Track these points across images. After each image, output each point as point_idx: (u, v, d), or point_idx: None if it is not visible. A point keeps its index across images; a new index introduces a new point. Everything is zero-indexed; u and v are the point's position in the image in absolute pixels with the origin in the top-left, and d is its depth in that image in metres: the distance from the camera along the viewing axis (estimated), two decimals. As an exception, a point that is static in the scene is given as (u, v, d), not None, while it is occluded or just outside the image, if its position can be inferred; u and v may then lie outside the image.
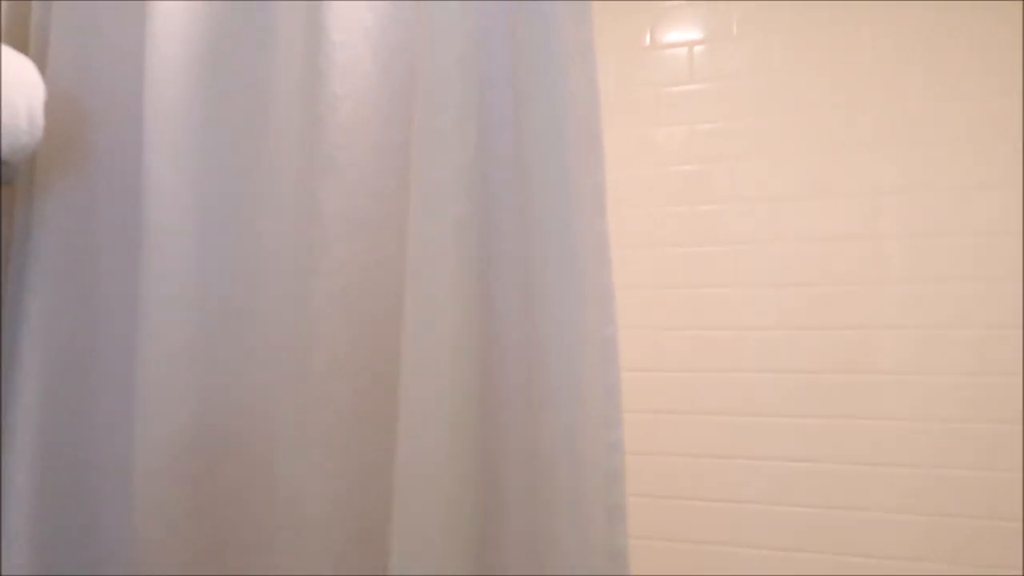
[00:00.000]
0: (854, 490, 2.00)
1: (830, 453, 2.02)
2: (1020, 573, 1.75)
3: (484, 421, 1.02)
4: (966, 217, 1.95)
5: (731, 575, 2.07)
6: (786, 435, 2.06)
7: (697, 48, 2.24)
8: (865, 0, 2.07)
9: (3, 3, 1.31)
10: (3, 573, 1.12)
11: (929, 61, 2.01)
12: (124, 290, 1.21)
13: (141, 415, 1.12)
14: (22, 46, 1.30)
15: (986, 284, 1.93)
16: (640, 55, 2.28)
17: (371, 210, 1.10)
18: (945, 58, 2.00)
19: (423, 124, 1.02)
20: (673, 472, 2.16)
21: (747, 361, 2.11)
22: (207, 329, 1.18)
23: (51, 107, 1.21)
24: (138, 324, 1.14)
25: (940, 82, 1.99)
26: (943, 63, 2.00)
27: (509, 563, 0.98)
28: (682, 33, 2.25)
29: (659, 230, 2.21)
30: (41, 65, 1.26)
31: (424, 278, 0.99)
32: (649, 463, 2.17)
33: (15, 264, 1.24)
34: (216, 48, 1.21)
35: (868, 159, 2.04)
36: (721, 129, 2.18)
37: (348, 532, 1.07)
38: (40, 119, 1.13)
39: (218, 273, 1.18)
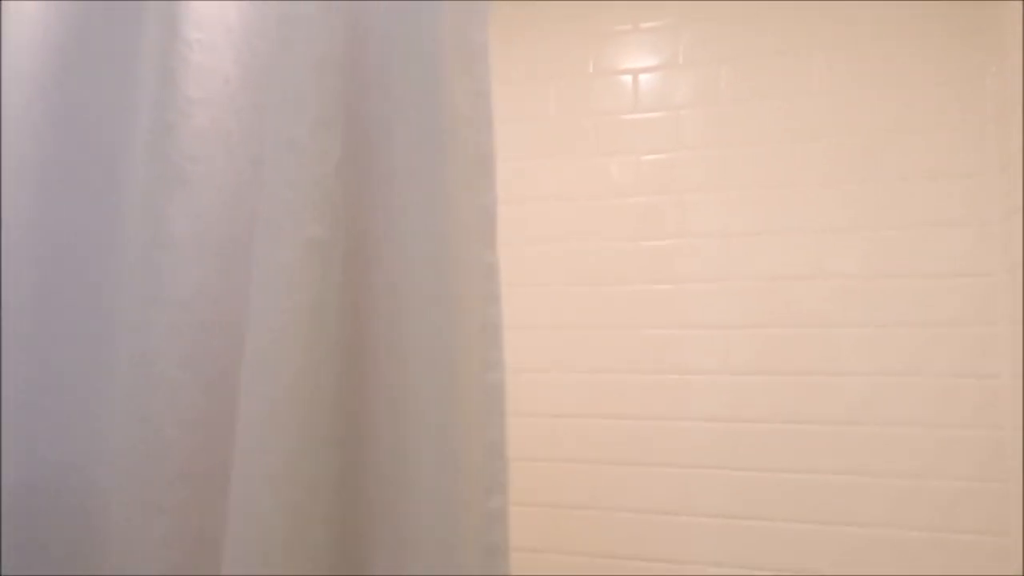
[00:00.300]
0: (795, 551, 1.85)
1: (768, 510, 1.87)
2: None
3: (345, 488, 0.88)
4: (925, 256, 1.84)
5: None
6: (723, 488, 1.91)
7: (643, 76, 2.14)
8: (817, 26, 1.98)
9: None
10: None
11: (886, 90, 1.92)
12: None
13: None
14: None
15: (946, 329, 1.81)
16: (584, 81, 2.18)
17: (224, 232, 0.95)
18: (903, 87, 1.91)
19: (275, 134, 0.89)
20: (612, 531, 2.00)
21: (690, 408, 1.97)
22: (45, 363, 1.03)
23: None
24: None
25: (897, 112, 1.90)
26: (901, 92, 1.91)
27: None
28: (627, 60, 2.16)
29: (600, 265, 2.08)
30: None
31: (268, 313, 0.85)
32: (571, 516, 2.01)
33: None
34: (69, 53, 1.08)
35: (821, 193, 1.93)
36: (668, 160, 2.07)
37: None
38: None
39: (59, 298, 1.04)
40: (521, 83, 2.22)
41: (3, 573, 0.96)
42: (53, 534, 0.99)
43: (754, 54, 2.03)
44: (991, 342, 1.79)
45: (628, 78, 2.15)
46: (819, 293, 1.90)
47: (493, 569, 0.84)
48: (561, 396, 2.07)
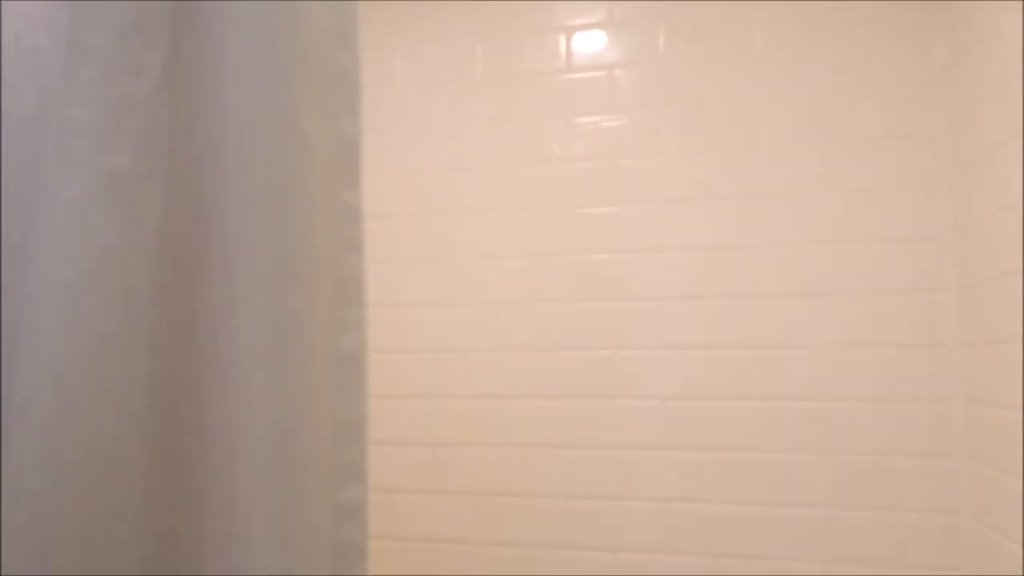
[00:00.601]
0: (740, 535, 1.73)
1: (710, 492, 1.75)
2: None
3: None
4: (872, 221, 1.73)
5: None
6: (662, 471, 1.79)
7: (576, 35, 1.99)
8: (755, -19, 1.85)
9: None
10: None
11: (831, 52, 1.79)
12: None
13: None
14: None
15: (895, 297, 1.70)
16: (513, 41, 2.02)
17: (14, 164, 0.78)
18: (849, 50, 1.79)
19: (73, 41, 0.71)
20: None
21: (627, 386, 1.83)
22: None
23: None
24: None
25: (843, 75, 1.78)
26: (847, 55, 1.79)
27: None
28: (560, 19, 2.01)
29: (531, 235, 1.93)
30: None
31: (56, 263, 0.68)
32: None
33: None
34: None
35: (763, 157, 1.81)
36: (603, 123, 1.93)
37: None
38: None
39: None
40: (446, 42, 2.06)
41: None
42: None
43: (692, 13, 1.90)
44: (941, 310, 1.68)
45: (561, 37, 2.00)
46: (762, 262, 1.78)
47: (346, 570, 0.69)
48: (489, 375, 1.92)
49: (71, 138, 0.68)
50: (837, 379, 1.71)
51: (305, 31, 0.76)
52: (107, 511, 0.67)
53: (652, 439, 1.80)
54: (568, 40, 1.99)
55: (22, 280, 0.66)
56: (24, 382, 0.66)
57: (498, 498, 1.88)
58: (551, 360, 1.88)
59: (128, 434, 0.68)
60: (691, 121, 1.86)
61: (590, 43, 1.98)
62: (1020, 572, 1.34)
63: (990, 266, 1.48)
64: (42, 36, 0.73)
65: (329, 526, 0.69)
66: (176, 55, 0.75)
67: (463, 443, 1.92)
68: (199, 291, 0.72)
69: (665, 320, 1.82)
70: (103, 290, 0.67)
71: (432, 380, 1.95)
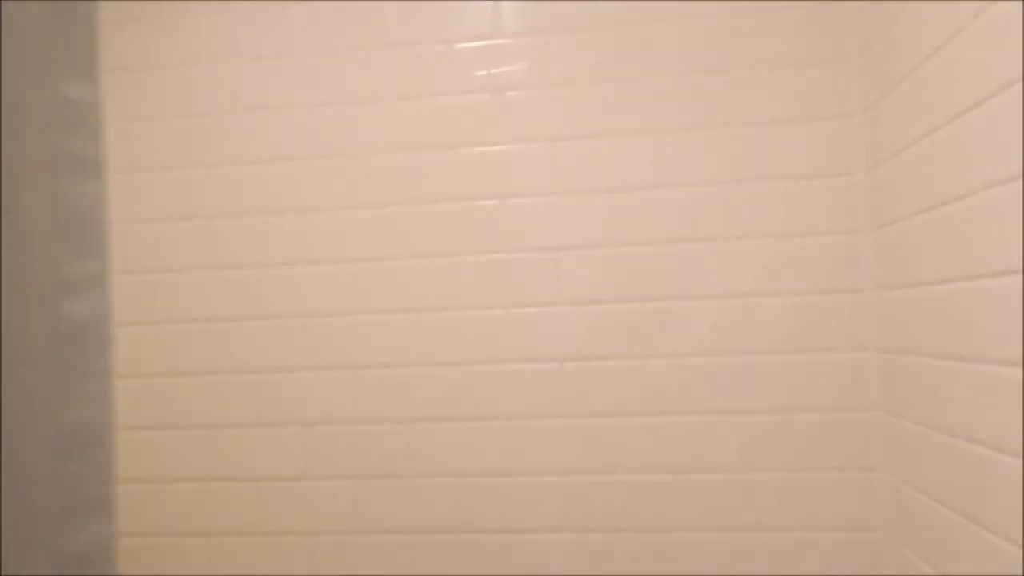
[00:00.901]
0: (645, 507, 1.59)
1: (612, 462, 1.60)
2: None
3: None
4: (780, 157, 1.58)
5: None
6: (560, 441, 1.62)
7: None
8: None
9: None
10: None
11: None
12: None
13: None
14: None
15: (806, 239, 1.56)
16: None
17: None
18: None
19: None
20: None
21: (519, 348, 1.64)
22: None
23: None
24: None
25: (742, -8, 1.61)
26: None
27: None
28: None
29: (408, 179, 1.69)
30: None
31: None
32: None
33: None
34: None
35: (662, 87, 1.62)
36: (485, 50, 1.69)
37: None
38: None
39: None
40: (303, -44, 1.75)
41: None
42: None
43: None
44: (854, 252, 1.56)
45: (436, -49, 1.74)
46: (663, 204, 1.61)
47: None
48: (365, 343, 1.68)
49: None
50: (744, 332, 1.57)
51: None
52: None
53: (550, 406, 1.62)
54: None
55: None
56: None
57: (381, 481, 1.66)
58: (434, 322, 1.66)
59: None
60: (585, 47, 1.65)
61: (470, -41, 1.72)
62: (935, 528, 1.24)
63: (904, 205, 1.35)
64: None
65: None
66: None
67: (340, 421, 1.68)
68: None
69: (561, 273, 1.63)
70: None
71: (298, 351, 1.69)
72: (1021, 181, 0.95)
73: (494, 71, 1.68)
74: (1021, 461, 0.98)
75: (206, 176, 1.74)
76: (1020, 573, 0.96)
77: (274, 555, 1.67)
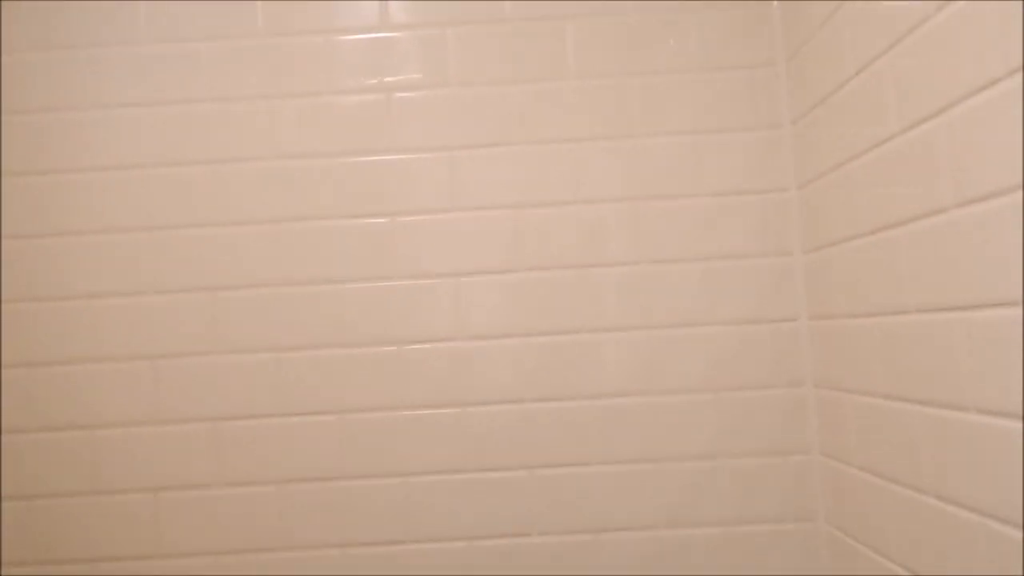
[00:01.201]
0: None
1: (518, 526, 1.38)
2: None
3: None
4: (704, 171, 1.42)
5: None
6: (459, 507, 1.39)
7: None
8: None
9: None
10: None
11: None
12: None
13: None
14: None
15: (733, 262, 1.40)
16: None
17: None
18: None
19: None
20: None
21: (411, 392, 1.40)
22: None
23: None
24: None
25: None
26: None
27: None
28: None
29: (284, 192, 1.43)
30: None
31: None
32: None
33: None
34: None
35: (572, 90, 1.43)
36: (371, 45, 1.46)
37: None
38: None
39: None
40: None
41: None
42: None
43: None
44: (787, 276, 1.41)
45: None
46: (574, 223, 1.41)
47: None
48: (227, 390, 1.40)
49: None
50: (667, 368, 1.39)
51: None
52: None
53: (449, 459, 1.39)
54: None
55: None
56: None
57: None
58: (312, 363, 1.40)
59: None
60: (488, 42, 1.44)
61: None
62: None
63: (843, 224, 1.21)
64: None
65: None
66: None
67: (193, 486, 1.39)
68: None
69: (460, 302, 1.41)
70: None
71: (141, 404, 1.39)
72: (993, 201, 0.79)
73: (382, 67, 1.44)
74: (976, 515, 0.83)
75: (18, 187, 1.42)
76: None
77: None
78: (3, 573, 1.33)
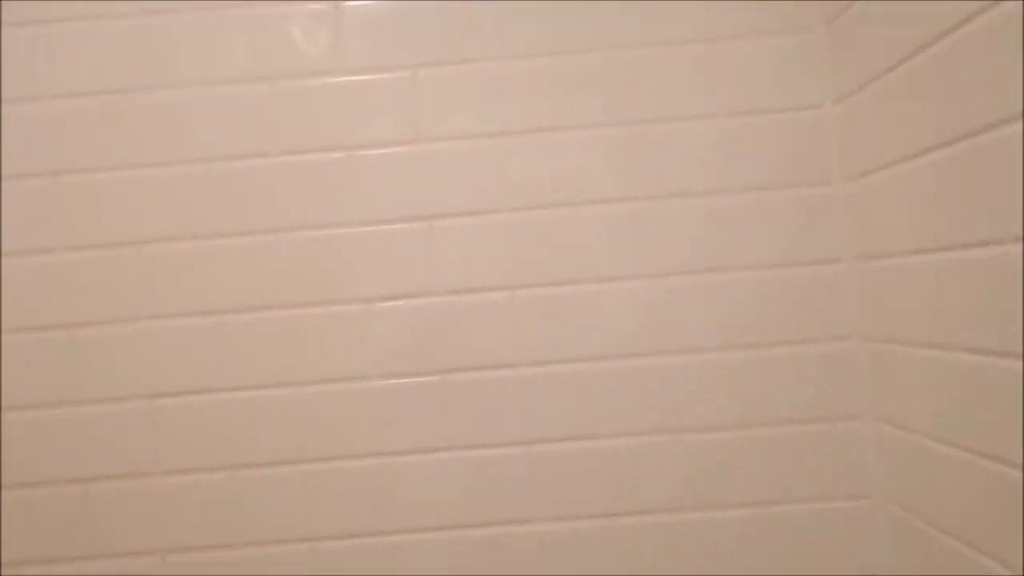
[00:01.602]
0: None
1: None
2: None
3: None
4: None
5: None
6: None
7: None
8: None
9: None
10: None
11: None
12: None
13: None
14: None
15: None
16: None
17: None
18: None
19: None
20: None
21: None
22: None
23: None
24: None
25: None
26: None
27: None
28: None
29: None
30: None
31: None
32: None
33: None
34: None
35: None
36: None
37: None
38: None
39: None
40: None
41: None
42: None
43: None
44: (825, 209, 1.18)
45: None
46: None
47: None
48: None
49: None
50: (683, 322, 1.17)
51: None
52: None
53: (427, 437, 1.18)
54: None
55: None
56: None
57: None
58: (259, 325, 1.20)
59: None
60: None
61: None
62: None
63: (887, 149, 0.98)
64: None
65: None
66: None
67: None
68: None
69: (433, 250, 1.19)
70: None
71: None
72: None
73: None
74: None
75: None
76: None
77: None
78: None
